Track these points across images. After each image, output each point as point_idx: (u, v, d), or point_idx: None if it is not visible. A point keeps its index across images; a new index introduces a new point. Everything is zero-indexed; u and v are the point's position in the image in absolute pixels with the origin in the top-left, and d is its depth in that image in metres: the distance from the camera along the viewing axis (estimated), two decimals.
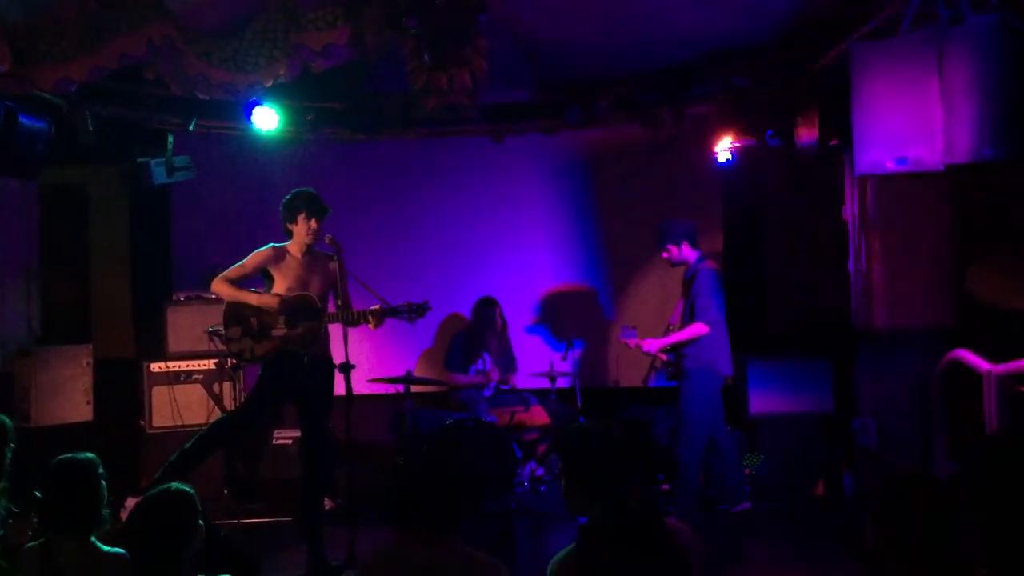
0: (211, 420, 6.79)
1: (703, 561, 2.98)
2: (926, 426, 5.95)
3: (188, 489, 2.96)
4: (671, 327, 6.40)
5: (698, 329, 6.12)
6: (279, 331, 5.40)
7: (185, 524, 2.89)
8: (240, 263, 5.49)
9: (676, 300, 6.73)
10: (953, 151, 4.45)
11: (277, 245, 5.52)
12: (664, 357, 6.34)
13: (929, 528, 2.27)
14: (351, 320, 5.43)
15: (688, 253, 6.29)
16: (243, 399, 5.64)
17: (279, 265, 5.48)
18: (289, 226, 5.48)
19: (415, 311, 5.52)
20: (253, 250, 5.56)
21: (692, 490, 6.16)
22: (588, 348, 7.84)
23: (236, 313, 5.45)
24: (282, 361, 5.42)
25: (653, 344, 6.31)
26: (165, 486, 2.98)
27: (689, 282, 6.30)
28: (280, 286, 5.46)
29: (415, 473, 3.01)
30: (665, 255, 6.35)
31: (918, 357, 6.00)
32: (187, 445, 5.38)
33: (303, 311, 5.42)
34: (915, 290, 6.08)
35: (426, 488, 2.95)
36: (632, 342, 6.36)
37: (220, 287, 5.48)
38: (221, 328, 5.60)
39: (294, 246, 5.49)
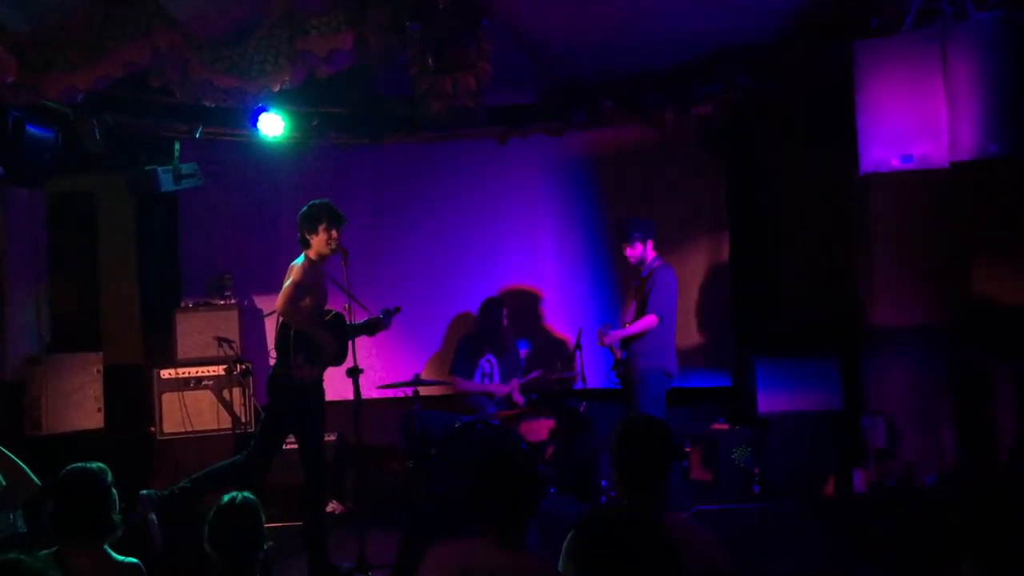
0: (221, 427, 6.88)
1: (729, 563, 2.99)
2: (935, 423, 5.95)
3: (254, 497, 3.19)
4: (625, 324, 6.47)
5: (650, 321, 6.24)
6: (326, 354, 5.47)
7: (257, 528, 3.14)
8: (295, 282, 5.37)
9: (678, 299, 6.74)
10: (958, 148, 4.45)
11: (310, 258, 5.52)
12: (619, 354, 6.43)
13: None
14: (356, 332, 5.58)
15: (650, 253, 6.42)
16: (260, 434, 5.58)
17: (316, 277, 5.51)
18: (308, 236, 5.48)
19: (387, 315, 5.90)
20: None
21: (680, 490, 6.17)
22: (595, 348, 7.84)
23: (302, 340, 5.40)
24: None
25: (611, 336, 6.41)
26: (234, 495, 3.19)
27: (644, 280, 6.40)
28: (317, 297, 5.49)
29: (496, 476, 2.88)
30: (629, 251, 6.43)
31: (926, 354, 6.01)
32: (204, 473, 5.40)
33: (339, 330, 5.50)
34: (922, 287, 6.08)
35: (504, 491, 2.86)
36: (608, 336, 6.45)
37: (299, 316, 5.37)
38: (273, 349, 5.52)
39: (314, 255, 5.50)
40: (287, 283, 5.39)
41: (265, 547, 3.18)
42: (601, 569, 2.19)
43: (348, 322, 5.54)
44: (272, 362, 7.37)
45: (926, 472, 6.03)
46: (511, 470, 2.88)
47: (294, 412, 5.46)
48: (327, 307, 5.64)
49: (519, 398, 7.31)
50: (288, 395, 5.40)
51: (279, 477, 6.83)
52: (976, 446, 5.66)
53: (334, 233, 5.46)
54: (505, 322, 7.38)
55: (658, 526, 2.24)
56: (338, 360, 5.55)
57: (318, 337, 5.41)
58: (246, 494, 3.23)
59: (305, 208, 5.52)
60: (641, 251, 6.41)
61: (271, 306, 7.55)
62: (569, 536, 3.02)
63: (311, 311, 5.45)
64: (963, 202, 5.86)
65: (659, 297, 6.27)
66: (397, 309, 6.04)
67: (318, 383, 5.51)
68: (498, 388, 7.27)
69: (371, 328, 5.85)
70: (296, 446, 6.77)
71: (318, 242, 5.46)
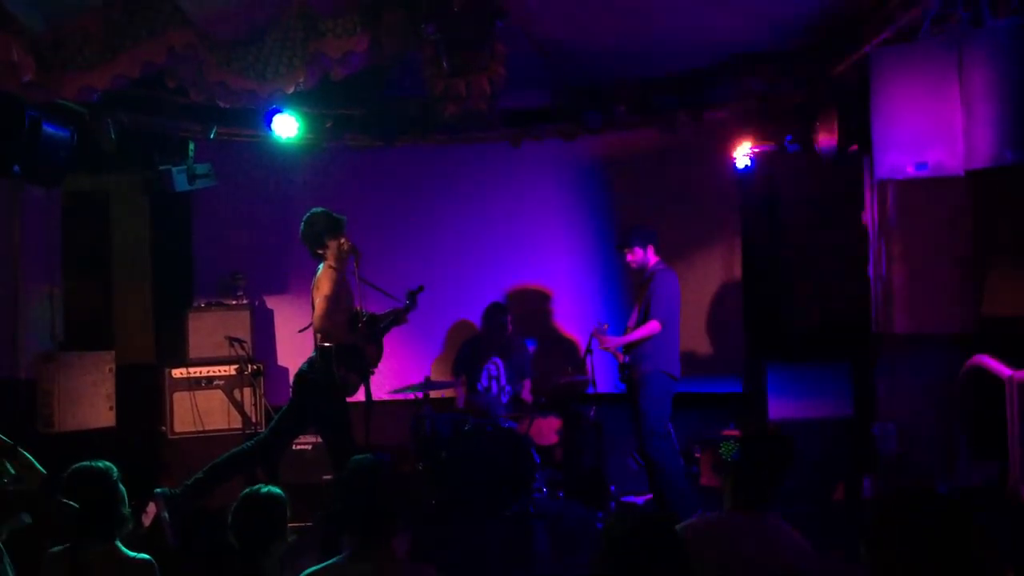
0: (232, 427, 6.90)
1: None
2: (946, 432, 5.90)
3: (281, 493, 3.26)
4: (628, 328, 6.50)
5: (653, 327, 6.27)
6: (367, 358, 5.51)
7: (277, 522, 3.20)
8: (326, 296, 5.43)
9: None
10: (974, 155, 4.44)
11: (332, 266, 5.53)
12: (622, 358, 6.47)
13: (928, 546, 2.22)
14: (387, 327, 5.70)
15: (651, 257, 6.49)
16: (277, 421, 5.59)
17: (340, 284, 5.53)
18: (320, 252, 5.53)
19: (412, 296, 5.99)
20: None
21: (688, 494, 6.16)
22: (606, 353, 7.82)
23: (346, 354, 5.42)
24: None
25: (612, 341, 6.45)
26: (259, 487, 3.26)
27: (645, 284, 6.44)
28: (343, 304, 5.51)
29: (344, 490, 3.02)
30: (630, 256, 6.50)
31: (938, 362, 5.96)
32: (216, 463, 5.41)
33: (374, 331, 5.56)
34: (935, 295, 6.03)
35: (355, 504, 2.96)
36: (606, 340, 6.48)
37: (340, 331, 5.42)
38: (316, 366, 5.49)
39: (334, 263, 5.52)
40: (318, 298, 5.42)
41: (287, 541, 3.23)
42: (613, 567, 2.23)
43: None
44: (280, 362, 7.45)
45: (937, 480, 6.00)
46: (367, 485, 2.98)
47: (327, 414, 5.48)
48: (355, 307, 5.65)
49: (528, 396, 7.31)
50: (325, 398, 5.42)
51: (293, 476, 6.87)
52: (989, 455, 5.62)
53: (342, 240, 5.50)
54: (510, 327, 7.38)
55: (673, 531, 2.27)
56: (376, 361, 5.60)
57: (360, 345, 5.45)
58: (272, 488, 3.28)
59: (304, 227, 5.56)
60: (642, 256, 6.48)
61: (283, 307, 7.63)
62: None
63: (347, 320, 5.48)
64: (978, 210, 5.81)
65: (660, 302, 6.30)
66: (421, 288, 6.09)
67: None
68: (501, 398, 7.24)
69: (398, 317, 5.93)
70: (307, 447, 6.82)
71: (331, 253, 5.50)
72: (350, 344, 5.43)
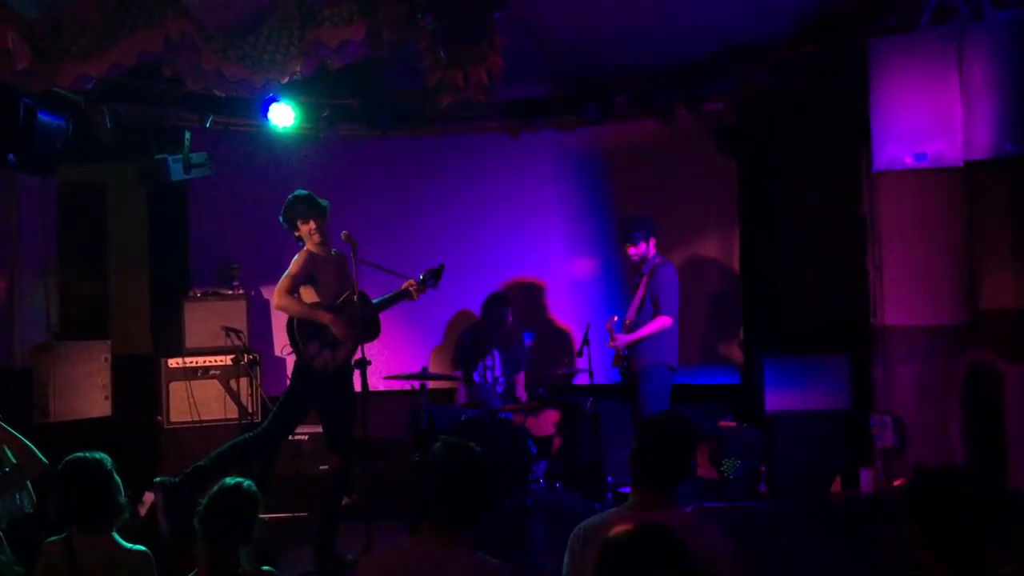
0: (228, 416, 6.89)
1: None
2: (943, 424, 5.91)
3: (255, 488, 3.14)
4: (627, 322, 6.47)
5: (664, 322, 6.28)
6: (350, 334, 5.43)
7: (250, 517, 3.07)
8: (289, 274, 5.40)
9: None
10: (973, 147, 4.44)
11: (308, 250, 5.51)
12: (622, 350, 6.45)
13: (964, 523, 2.28)
14: (388, 303, 5.64)
15: (651, 249, 6.50)
16: (277, 409, 5.54)
17: (318, 267, 5.49)
18: (296, 235, 5.51)
19: (435, 275, 5.96)
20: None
21: (685, 486, 6.14)
22: (603, 344, 7.82)
23: (308, 328, 5.39)
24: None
25: (623, 339, 6.42)
26: (238, 481, 3.14)
27: (645, 277, 6.44)
28: (324, 286, 5.48)
29: (436, 468, 2.89)
30: (633, 250, 6.50)
31: (936, 354, 5.97)
32: (218, 452, 5.38)
33: (365, 307, 5.50)
34: (932, 287, 6.03)
35: (446, 484, 2.86)
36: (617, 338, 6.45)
37: (288, 304, 5.37)
38: (288, 346, 5.49)
39: (311, 247, 5.50)
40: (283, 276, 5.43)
41: (251, 544, 3.09)
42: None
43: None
44: (278, 352, 7.44)
45: None
46: (451, 471, 2.89)
47: (320, 399, 5.45)
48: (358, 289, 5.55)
49: (522, 393, 7.30)
50: (312, 383, 5.39)
51: (287, 467, 6.87)
52: (985, 447, 5.63)
53: (312, 225, 5.44)
54: (509, 318, 7.36)
55: (682, 543, 2.23)
56: (370, 335, 5.52)
57: (316, 319, 5.38)
58: (250, 483, 3.18)
59: (282, 209, 5.53)
60: (644, 249, 6.48)
61: None
62: (574, 533, 3.02)
63: (321, 300, 5.43)
64: (977, 201, 5.81)
65: (668, 297, 6.31)
66: (441, 267, 6.02)
67: (346, 367, 5.49)
68: (496, 388, 7.21)
69: (405, 294, 5.80)
70: (303, 437, 6.80)
71: (305, 236, 5.48)
72: (309, 320, 5.39)
